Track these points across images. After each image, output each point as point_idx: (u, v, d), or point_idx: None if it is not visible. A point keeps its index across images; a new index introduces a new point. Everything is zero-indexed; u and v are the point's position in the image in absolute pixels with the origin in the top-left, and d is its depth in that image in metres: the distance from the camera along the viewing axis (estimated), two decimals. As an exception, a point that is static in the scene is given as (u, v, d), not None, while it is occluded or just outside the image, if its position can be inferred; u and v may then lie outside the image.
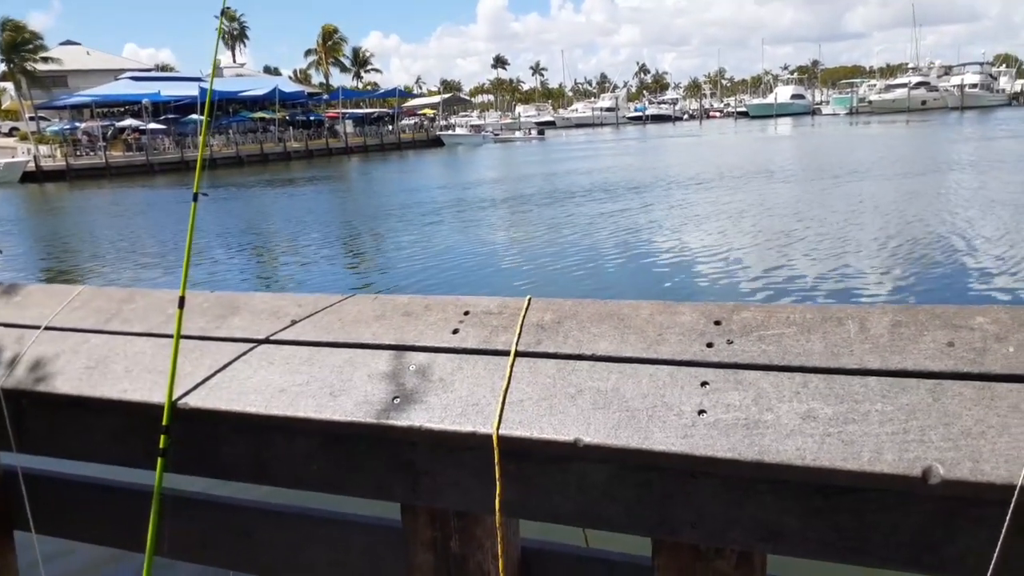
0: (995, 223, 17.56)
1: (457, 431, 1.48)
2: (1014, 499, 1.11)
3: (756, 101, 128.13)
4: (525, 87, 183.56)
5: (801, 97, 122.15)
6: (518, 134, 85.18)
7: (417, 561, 1.68)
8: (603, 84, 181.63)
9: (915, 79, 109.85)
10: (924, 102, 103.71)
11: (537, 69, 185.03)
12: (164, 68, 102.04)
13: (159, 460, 1.75)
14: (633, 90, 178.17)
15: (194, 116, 58.76)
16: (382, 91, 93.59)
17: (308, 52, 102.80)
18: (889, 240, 16.14)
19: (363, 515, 1.87)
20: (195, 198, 1.97)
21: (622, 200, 26.17)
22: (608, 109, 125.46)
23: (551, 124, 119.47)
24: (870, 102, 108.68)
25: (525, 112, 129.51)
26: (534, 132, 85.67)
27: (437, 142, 76.88)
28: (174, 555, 1.93)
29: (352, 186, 43.25)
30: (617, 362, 1.50)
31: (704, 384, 1.40)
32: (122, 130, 59.27)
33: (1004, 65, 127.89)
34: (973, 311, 1.39)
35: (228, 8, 2.25)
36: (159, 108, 62.60)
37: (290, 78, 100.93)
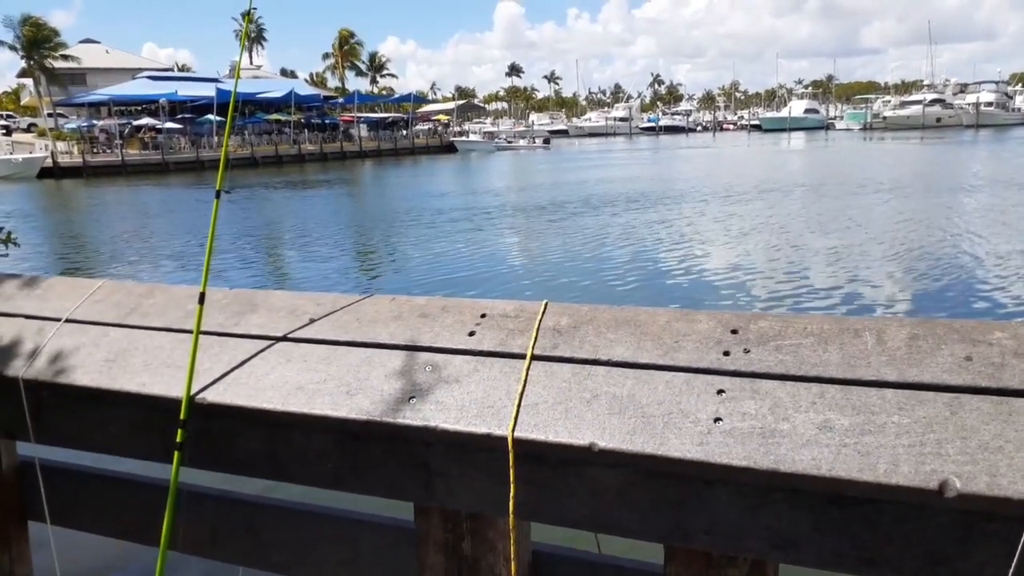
0: (1016, 240, 17.44)
1: (472, 432, 1.49)
2: None
3: (770, 114, 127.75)
4: (539, 95, 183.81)
5: (815, 111, 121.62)
6: (522, 142, 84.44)
7: (429, 562, 1.69)
8: (617, 94, 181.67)
9: (930, 96, 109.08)
10: (939, 119, 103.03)
11: (552, 78, 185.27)
12: (182, 68, 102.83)
13: (175, 454, 1.76)
14: (647, 101, 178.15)
15: (210, 116, 59.16)
16: (397, 96, 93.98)
17: (325, 55, 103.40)
18: (908, 254, 16.08)
19: (376, 514, 1.88)
20: (218, 195, 1.99)
21: (639, 209, 26.15)
22: (621, 119, 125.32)
23: (564, 133, 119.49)
24: (884, 118, 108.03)
25: (539, 120, 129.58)
26: (539, 141, 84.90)
27: (451, 148, 77.06)
28: (188, 550, 1.94)
29: (367, 190, 43.40)
30: (633, 368, 1.50)
31: (720, 392, 1.40)
32: (139, 128, 59.68)
33: (1020, 84, 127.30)
34: (991, 326, 1.39)
35: (253, 8, 2.27)
36: (176, 108, 63.00)
37: (306, 81, 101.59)
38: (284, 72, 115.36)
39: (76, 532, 2.18)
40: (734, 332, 1.52)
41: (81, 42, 77.57)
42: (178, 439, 1.75)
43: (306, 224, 26.11)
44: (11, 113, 79.16)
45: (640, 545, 1.48)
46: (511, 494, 1.48)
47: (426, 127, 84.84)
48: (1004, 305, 11.87)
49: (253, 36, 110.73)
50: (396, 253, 19.98)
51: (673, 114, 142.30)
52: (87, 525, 2.19)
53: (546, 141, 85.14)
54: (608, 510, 1.45)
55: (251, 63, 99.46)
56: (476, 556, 1.64)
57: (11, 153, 51.94)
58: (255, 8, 2.25)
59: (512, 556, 1.56)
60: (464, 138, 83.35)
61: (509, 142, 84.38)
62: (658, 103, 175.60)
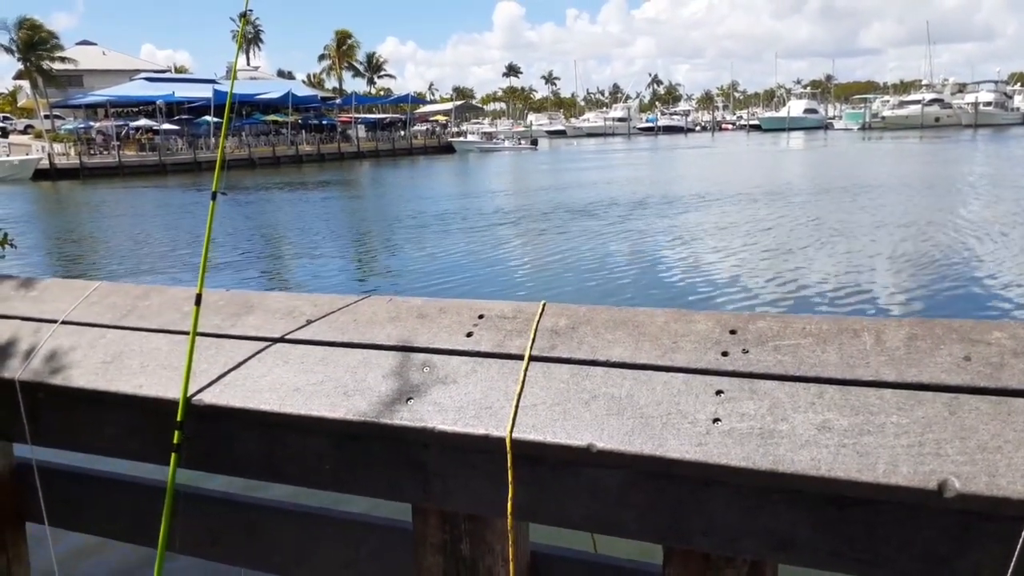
0: (1015, 240, 17.44)
1: (470, 433, 1.48)
2: None
3: (769, 114, 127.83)
4: (537, 96, 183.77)
5: (814, 111, 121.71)
6: (507, 143, 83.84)
7: (427, 563, 1.68)
8: (615, 94, 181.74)
9: (929, 96, 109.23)
10: (937, 119, 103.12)
11: (550, 78, 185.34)
12: (179, 70, 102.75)
13: (172, 456, 1.75)
14: (645, 101, 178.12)
15: (207, 118, 59.10)
16: (395, 97, 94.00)
17: (322, 56, 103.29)
18: (906, 254, 16.07)
19: (374, 515, 1.88)
20: (214, 196, 1.98)
21: (636, 210, 26.13)
22: (620, 119, 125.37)
23: (562, 133, 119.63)
24: (883, 118, 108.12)
25: (537, 121, 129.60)
26: (524, 143, 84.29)
27: (448, 148, 77.10)
28: (185, 551, 1.94)
29: (365, 191, 43.36)
30: (631, 369, 1.50)
31: (719, 393, 1.40)
32: (136, 130, 59.66)
33: (1019, 84, 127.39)
34: (990, 326, 1.38)
35: (249, 10, 2.26)
36: (173, 109, 63.00)
37: (304, 82, 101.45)
38: (281, 73, 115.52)
39: (74, 533, 2.17)
40: (732, 332, 1.51)
41: (78, 44, 77.47)
42: (175, 440, 1.74)
43: (303, 225, 26.08)
44: (8, 115, 79.02)
45: (637, 545, 1.48)
46: (509, 495, 1.47)
47: (424, 128, 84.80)
48: (1003, 305, 11.88)
49: (250, 37, 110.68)
50: (393, 254, 19.97)
51: (672, 114, 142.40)
52: (85, 526, 2.18)
53: (533, 142, 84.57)
54: (607, 511, 1.44)
55: (248, 64, 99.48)
56: (474, 557, 1.64)
57: (8, 155, 51.86)
58: (251, 10, 2.23)
59: (510, 557, 1.56)
60: (462, 139, 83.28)
61: (504, 140, 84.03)
62: (657, 103, 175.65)
